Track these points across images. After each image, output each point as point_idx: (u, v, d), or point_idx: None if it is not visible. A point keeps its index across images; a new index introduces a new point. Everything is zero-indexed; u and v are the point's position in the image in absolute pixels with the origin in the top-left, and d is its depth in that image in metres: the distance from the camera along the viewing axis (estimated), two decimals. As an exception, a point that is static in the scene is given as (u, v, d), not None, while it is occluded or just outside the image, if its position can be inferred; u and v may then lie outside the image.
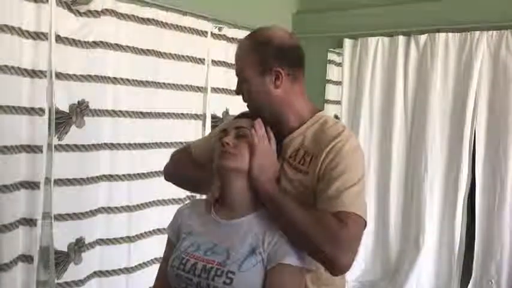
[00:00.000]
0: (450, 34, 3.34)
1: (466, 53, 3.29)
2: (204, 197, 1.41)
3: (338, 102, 4.01)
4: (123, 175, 2.90)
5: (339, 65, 3.96)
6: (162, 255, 3.19)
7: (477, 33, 3.24)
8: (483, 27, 3.21)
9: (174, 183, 1.64)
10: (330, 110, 4.03)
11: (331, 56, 3.98)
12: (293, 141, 1.36)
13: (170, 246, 1.37)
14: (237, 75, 1.38)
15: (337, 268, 1.15)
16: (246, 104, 1.41)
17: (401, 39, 3.54)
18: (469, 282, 3.33)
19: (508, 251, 3.18)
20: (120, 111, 2.85)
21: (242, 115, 1.37)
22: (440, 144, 3.43)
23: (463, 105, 3.31)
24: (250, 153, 1.26)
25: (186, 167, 1.55)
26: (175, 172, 1.60)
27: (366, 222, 1.20)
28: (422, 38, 3.45)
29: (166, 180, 1.66)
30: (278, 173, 1.30)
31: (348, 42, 3.76)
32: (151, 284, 3.03)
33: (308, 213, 1.20)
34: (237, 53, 1.39)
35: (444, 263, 3.44)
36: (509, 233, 3.18)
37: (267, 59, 1.33)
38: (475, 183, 3.32)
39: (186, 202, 1.47)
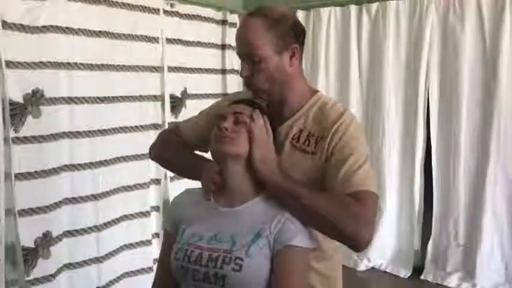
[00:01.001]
0: (400, 2, 3.42)
1: (416, 20, 3.38)
2: (197, 185, 1.37)
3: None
4: (86, 164, 2.80)
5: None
6: (130, 242, 3.16)
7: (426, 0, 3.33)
8: (432, -7, 3.31)
9: (160, 164, 1.59)
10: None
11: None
12: (296, 123, 1.34)
13: (169, 239, 1.33)
14: (248, 56, 1.30)
15: (360, 245, 1.17)
16: (252, 86, 1.34)
17: (353, 8, 3.58)
18: (429, 239, 3.51)
19: (463, 207, 3.36)
20: (77, 97, 2.74)
21: (240, 101, 1.33)
22: (396, 110, 3.55)
23: (416, 71, 3.43)
24: (250, 143, 1.24)
25: (176, 149, 1.50)
26: (162, 153, 1.55)
27: (378, 197, 1.24)
28: (374, 6, 3.51)
29: (153, 160, 1.61)
30: (278, 162, 1.29)
31: (300, 14, 3.76)
32: (123, 272, 3.04)
33: (324, 197, 1.21)
34: (247, 33, 1.30)
35: (405, 223, 3.60)
36: (463, 191, 3.35)
37: (285, 37, 1.30)
38: (431, 146, 3.46)
39: (180, 192, 1.41)
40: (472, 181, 3.33)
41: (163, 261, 1.36)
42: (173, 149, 1.51)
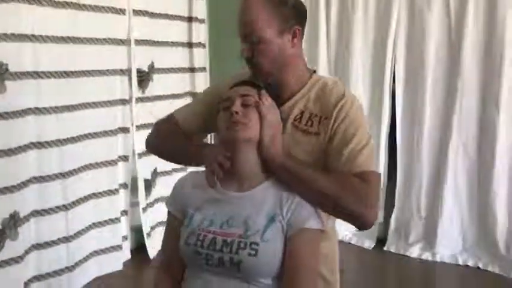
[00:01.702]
0: (370, -23, 3.44)
1: (385, -4, 3.42)
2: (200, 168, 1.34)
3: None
4: (52, 141, 2.70)
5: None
6: (99, 220, 3.11)
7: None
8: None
9: (159, 156, 1.54)
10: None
11: None
12: (296, 104, 1.34)
13: (174, 222, 1.30)
14: (249, 36, 1.28)
15: (367, 224, 1.21)
16: (253, 67, 1.32)
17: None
18: (392, 212, 3.63)
19: (425, 181, 3.49)
20: (43, 72, 2.61)
21: (241, 83, 1.31)
22: (363, 86, 3.60)
23: (383, 48, 3.48)
24: (260, 125, 1.23)
25: (175, 139, 1.45)
26: (161, 144, 1.50)
27: (380, 176, 1.28)
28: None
29: (149, 151, 1.57)
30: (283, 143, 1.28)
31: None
32: (91, 250, 2.99)
33: (331, 178, 1.22)
34: (249, 14, 1.27)
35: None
36: (426, 165, 3.48)
37: (288, 18, 1.29)
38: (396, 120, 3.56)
39: (185, 175, 1.38)
40: (434, 156, 3.46)
41: (167, 244, 1.34)
42: (172, 139, 1.46)
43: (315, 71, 1.41)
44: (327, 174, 1.25)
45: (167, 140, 1.47)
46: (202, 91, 1.60)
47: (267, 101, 1.26)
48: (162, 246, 1.37)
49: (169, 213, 1.34)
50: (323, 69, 3.63)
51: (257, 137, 1.24)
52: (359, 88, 3.57)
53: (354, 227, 1.25)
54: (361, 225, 1.22)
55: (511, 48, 3.13)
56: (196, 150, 1.38)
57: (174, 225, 1.30)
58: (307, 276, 1.18)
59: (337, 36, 3.65)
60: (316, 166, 1.28)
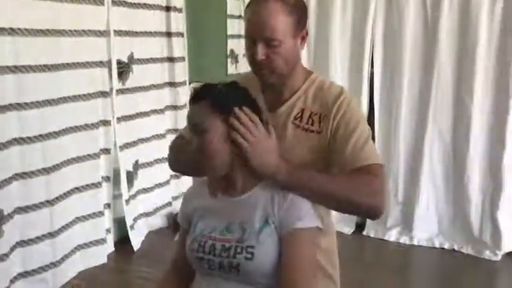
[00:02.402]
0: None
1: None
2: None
3: (240, 36, 4.00)
4: (35, 136, 2.65)
5: (238, -1, 3.91)
6: (83, 214, 3.09)
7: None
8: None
9: (183, 174, 1.56)
10: (235, 45, 4.03)
11: (230, -10, 3.91)
12: (296, 103, 1.37)
13: (184, 234, 1.34)
14: (266, 39, 1.28)
15: (378, 215, 1.26)
16: (265, 69, 1.32)
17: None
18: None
19: (402, 167, 3.59)
20: (23, 66, 2.55)
21: (195, 97, 1.25)
22: (342, 75, 3.65)
23: (361, 38, 3.54)
24: (240, 149, 1.20)
25: (186, 153, 1.48)
26: (179, 163, 1.51)
27: (384, 166, 1.32)
28: (322, -30, 3.54)
29: (175, 172, 1.60)
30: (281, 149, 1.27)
31: (247, -25, 3.69)
32: (76, 245, 2.97)
33: (338, 179, 1.26)
34: (267, 16, 1.27)
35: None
36: (403, 152, 3.58)
37: (300, 20, 1.33)
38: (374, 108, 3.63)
39: (190, 187, 1.42)
40: (411, 142, 3.56)
41: (179, 253, 1.37)
42: (183, 154, 1.45)
43: (311, 72, 1.44)
44: (335, 176, 1.29)
45: (179, 157, 1.48)
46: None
47: (242, 118, 1.21)
48: (174, 253, 1.41)
49: (180, 225, 1.38)
50: (302, 58, 3.67)
51: (225, 159, 1.23)
52: (337, 76, 3.62)
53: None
54: (375, 216, 1.27)
55: (485, 37, 3.22)
56: None
57: (182, 235, 1.35)
58: (303, 274, 1.19)
59: (316, 23, 3.68)
60: (320, 163, 1.32)
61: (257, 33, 1.30)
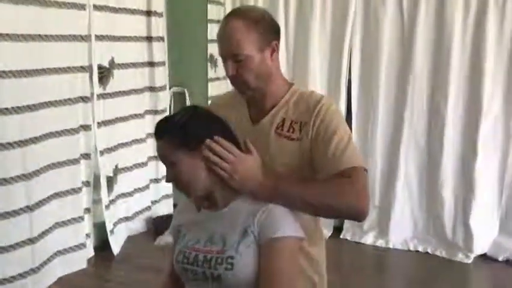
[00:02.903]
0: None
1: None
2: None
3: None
4: (15, 142, 2.63)
5: (219, 3, 3.93)
6: (63, 219, 3.08)
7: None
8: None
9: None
10: (214, 50, 4.04)
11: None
12: (278, 113, 1.41)
13: (173, 246, 1.39)
14: (233, 55, 1.34)
15: (363, 217, 1.28)
16: (237, 84, 1.39)
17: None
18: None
19: (379, 172, 3.68)
20: (4, 71, 2.53)
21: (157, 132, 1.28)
22: (320, 80, 3.71)
23: (340, 45, 3.61)
24: (220, 175, 1.24)
25: None
26: None
27: (366, 169, 1.34)
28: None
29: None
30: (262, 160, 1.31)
31: (228, -20, 3.74)
32: (56, 250, 2.95)
33: (322, 186, 1.29)
34: (230, 33, 1.34)
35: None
36: (380, 157, 3.67)
37: (266, 35, 1.38)
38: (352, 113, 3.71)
39: (180, 203, 1.46)
40: (387, 148, 3.65)
41: (167, 267, 1.43)
42: None
43: (293, 83, 1.49)
44: (316, 183, 1.32)
45: None
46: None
47: (215, 149, 1.24)
48: (167, 269, 1.45)
49: (172, 238, 1.41)
50: (281, 59, 3.72)
51: (206, 184, 1.27)
52: (316, 83, 3.69)
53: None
54: (359, 218, 1.30)
55: (459, 45, 3.33)
56: None
57: (172, 249, 1.38)
58: (282, 284, 1.20)
59: (295, 32, 3.74)
60: (304, 170, 1.36)
61: (224, 51, 1.36)
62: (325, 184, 1.31)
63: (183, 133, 1.23)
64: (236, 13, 1.41)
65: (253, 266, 1.21)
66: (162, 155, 1.26)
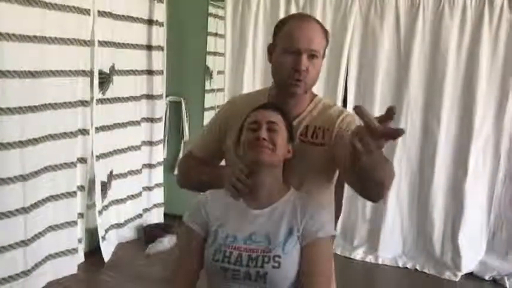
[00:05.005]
0: (327, -4, 3.62)
1: (341, 15, 3.61)
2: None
3: (215, 54, 4.08)
4: (14, 142, 2.62)
5: (219, 17, 3.99)
6: (56, 223, 3.04)
7: (351, -3, 3.58)
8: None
9: (192, 190, 1.60)
10: (210, 62, 4.10)
11: (212, 9, 3.98)
12: (303, 121, 1.47)
13: (195, 237, 1.35)
14: (310, 51, 1.39)
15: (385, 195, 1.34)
16: (302, 79, 1.40)
17: (282, -4, 3.70)
18: (339, 217, 3.84)
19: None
20: (8, 71, 2.53)
21: (267, 106, 1.41)
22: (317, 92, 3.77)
23: (337, 63, 3.66)
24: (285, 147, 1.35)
25: (201, 172, 1.56)
26: (189, 181, 1.60)
27: None
28: (302, -3, 3.67)
29: (184, 188, 1.64)
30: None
31: (230, -3, 3.79)
32: (47, 254, 2.92)
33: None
34: (313, 32, 1.42)
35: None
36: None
37: (326, 43, 1.47)
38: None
39: (204, 194, 1.43)
40: (379, 166, 3.70)
41: (186, 259, 1.39)
42: (194, 172, 1.58)
43: (316, 94, 1.55)
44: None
45: (190, 174, 1.59)
46: (213, 117, 1.68)
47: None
48: (180, 260, 1.41)
49: (189, 229, 1.38)
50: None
51: (280, 161, 1.35)
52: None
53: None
54: (382, 197, 1.32)
55: (453, 68, 3.42)
56: (216, 173, 1.47)
57: (195, 241, 1.36)
58: (322, 280, 1.30)
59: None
60: (324, 173, 1.43)
61: (304, 45, 1.40)
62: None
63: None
64: (312, 17, 1.52)
65: (297, 265, 1.29)
66: (270, 119, 1.35)
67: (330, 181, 1.51)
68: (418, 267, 3.57)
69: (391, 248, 3.68)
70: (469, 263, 3.49)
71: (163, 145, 4.02)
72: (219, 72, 4.06)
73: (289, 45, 1.40)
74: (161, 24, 3.78)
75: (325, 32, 1.46)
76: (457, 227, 3.50)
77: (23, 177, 2.69)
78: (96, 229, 3.32)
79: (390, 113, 1.06)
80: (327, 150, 1.43)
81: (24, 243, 2.74)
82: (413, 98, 3.54)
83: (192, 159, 1.62)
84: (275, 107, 1.41)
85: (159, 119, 3.88)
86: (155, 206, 3.98)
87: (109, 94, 3.34)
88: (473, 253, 3.51)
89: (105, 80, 3.29)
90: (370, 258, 3.69)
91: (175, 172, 1.63)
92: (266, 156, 1.32)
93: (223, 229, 1.33)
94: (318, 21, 1.48)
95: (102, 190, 3.34)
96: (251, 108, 1.42)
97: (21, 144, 2.66)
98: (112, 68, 3.34)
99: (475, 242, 3.52)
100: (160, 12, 3.76)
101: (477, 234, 3.53)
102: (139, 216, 3.83)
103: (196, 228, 1.37)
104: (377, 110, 3.63)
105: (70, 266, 3.11)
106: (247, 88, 3.77)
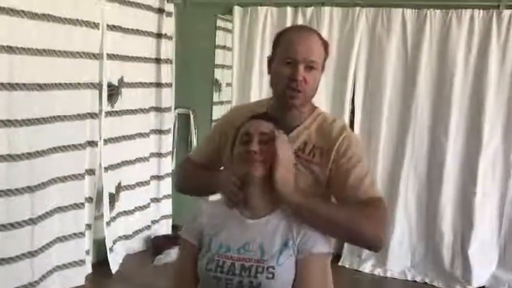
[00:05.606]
0: (334, 8, 3.63)
1: (348, 27, 3.62)
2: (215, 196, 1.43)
3: (224, 67, 4.11)
4: (22, 154, 2.66)
5: (227, 30, 4.03)
6: (64, 234, 3.06)
7: (357, 9, 3.58)
8: (363, 4, 3.57)
9: (190, 195, 1.61)
10: (219, 74, 4.13)
11: (220, 23, 4.02)
12: (300, 135, 1.43)
13: (191, 250, 1.35)
14: (307, 61, 1.38)
15: (380, 246, 1.31)
16: (297, 90, 1.38)
17: (289, 10, 3.73)
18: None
19: (379, 182, 3.64)
20: (17, 84, 2.58)
21: (260, 116, 1.38)
22: (325, 103, 3.75)
23: (344, 75, 3.66)
24: (273, 163, 1.30)
25: (197, 176, 1.56)
26: (187, 185, 1.62)
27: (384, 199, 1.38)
28: (309, 10, 3.69)
29: (181, 193, 1.65)
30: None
31: (237, 10, 3.82)
32: (54, 265, 2.94)
33: (344, 210, 1.31)
34: (311, 42, 1.41)
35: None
36: (380, 186, 3.68)
37: (325, 55, 1.45)
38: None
39: (198, 204, 1.41)
40: (387, 178, 3.67)
41: (182, 270, 1.39)
42: (194, 178, 1.58)
43: (316, 106, 1.51)
44: (339, 206, 1.36)
45: (187, 178, 1.60)
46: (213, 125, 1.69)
47: (283, 140, 1.34)
48: (176, 272, 1.42)
49: (184, 240, 1.38)
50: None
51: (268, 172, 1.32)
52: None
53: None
54: (376, 247, 1.32)
55: (461, 79, 3.40)
56: (213, 178, 1.46)
57: (190, 253, 1.36)
58: None
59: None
60: (316, 194, 1.38)
61: (301, 55, 1.38)
62: (347, 207, 1.34)
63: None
64: (311, 29, 1.51)
65: (290, 276, 1.27)
66: (262, 130, 1.35)
67: (326, 196, 1.45)
68: (427, 281, 3.53)
69: (400, 261, 3.64)
70: (480, 276, 3.43)
71: (172, 157, 4.04)
72: (228, 85, 4.09)
73: (287, 56, 1.39)
74: (170, 38, 3.83)
75: (325, 44, 1.44)
76: (466, 239, 3.45)
77: (31, 189, 2.72)
78: (104, 240, 3.33)
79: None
80: (322, 171, 1.40)
81: (31, 254, 2.76)
82: (420, 110, 3.52)
83: (189, 164, 1.62)
84: (268, 117, 1.39)
85: (168, 131, 3.91)
86: (163, 217, 4.00)
87: (118, 106, 3.38)
88: (484, 266, 3.46)
89: (114, 92, 3.33)
90: (378, 271, 3.66)
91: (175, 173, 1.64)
92: (257, 170, 1.31)
93: (216, 238, 1.33)
94: (317, 33, 1.46)
95: (110, 202, 3.36)
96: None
97: (30, 155, 2.69)
98: (121, 81, 3.38)
99: (485, 255, 3.46)
100: (169, 26, 3.81)
101: (488, 246, 3.47)
102: (148, 227, 3.84)
103: (190, 239, 1.37)
104: (384, 122, 3.63)
105: (77, 277, 3.12)
106: (254, 100, 3.76)
